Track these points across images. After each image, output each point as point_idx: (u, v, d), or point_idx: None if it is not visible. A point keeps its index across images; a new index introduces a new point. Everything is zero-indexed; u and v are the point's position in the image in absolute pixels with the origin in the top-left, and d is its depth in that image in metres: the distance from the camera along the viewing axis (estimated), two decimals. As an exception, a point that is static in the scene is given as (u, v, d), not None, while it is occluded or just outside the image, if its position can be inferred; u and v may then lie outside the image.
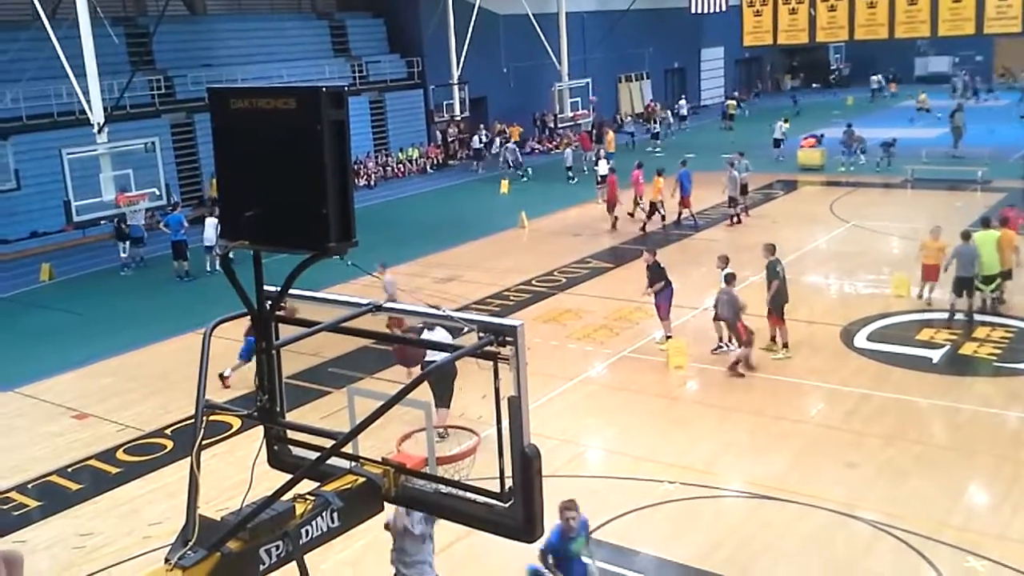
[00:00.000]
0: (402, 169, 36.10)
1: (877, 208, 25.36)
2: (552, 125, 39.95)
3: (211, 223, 21.74)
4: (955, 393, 12.99)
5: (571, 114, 38.00)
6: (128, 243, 23.14)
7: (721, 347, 14.73)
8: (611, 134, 36.18)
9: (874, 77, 53.30)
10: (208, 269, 21.94)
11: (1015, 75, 50.14)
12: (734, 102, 46.53)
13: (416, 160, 37.04)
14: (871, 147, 31.47)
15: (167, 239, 22.37)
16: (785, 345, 14.64)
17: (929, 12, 29.23)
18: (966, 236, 15.53)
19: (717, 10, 34.92)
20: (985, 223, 16.37)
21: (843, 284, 18.27)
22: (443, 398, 11.07)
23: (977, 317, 15.43)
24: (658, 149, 37.60)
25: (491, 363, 4.21)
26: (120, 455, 12.50)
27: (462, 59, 36.44)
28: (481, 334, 4.25)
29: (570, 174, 32.31)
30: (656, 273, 15.23)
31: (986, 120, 38.75)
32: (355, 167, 32.18)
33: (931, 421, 12.37)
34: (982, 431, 11.80)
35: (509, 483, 4.27)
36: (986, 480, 10.68)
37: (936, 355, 14.33)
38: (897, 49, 48.44)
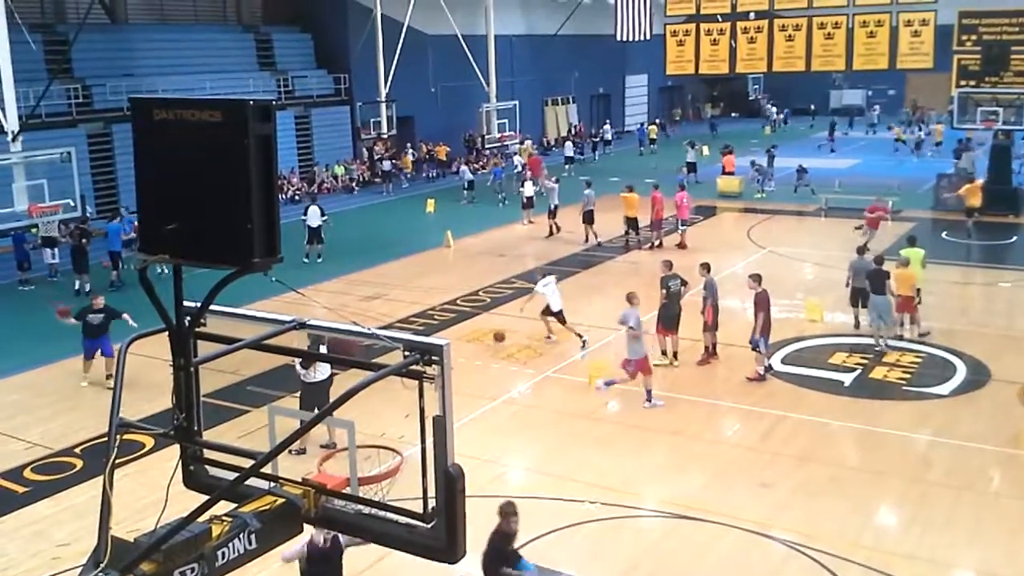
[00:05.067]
0: (327, 186, 35.72)
1: (793, 235, 26.05)
2: (480, 146, 40.10)
3: None
4: (866, 416, 13.37)
5: (498, 135, 38.19)
6: (53, 250, 22.54)
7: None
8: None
9: (772, 107, 55.97)
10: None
11: (923, 110, 52.00)
12: (655, 127, 47.55)
13: (341, 177, 36.73)
14: (785, 175, 32.34)
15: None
16: (675, 355, 15.31)
17: (844, 47, 30.25)
18: (860, 251, 17.31)
19: (641, 38, 35.52)
20: (911, 241, 17.65)
21: (760, 308, 18.61)
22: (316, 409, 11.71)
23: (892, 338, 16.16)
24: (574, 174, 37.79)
25: (416, 382, 4.20)
26: (27, 474, 12.06)
27: (390, 77, 36.35)
28: (407, 353, 4.24)
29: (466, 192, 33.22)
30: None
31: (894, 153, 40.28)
32: (279, 182, 31.73)
33: (843, 443, 12.71)
34: (892, 453, 12.16)
35: (432, 503, 4.25)
36: (896, 501, 11.01)
37: (848, 378, 14.75)
38: (813, 81, 49.96)
